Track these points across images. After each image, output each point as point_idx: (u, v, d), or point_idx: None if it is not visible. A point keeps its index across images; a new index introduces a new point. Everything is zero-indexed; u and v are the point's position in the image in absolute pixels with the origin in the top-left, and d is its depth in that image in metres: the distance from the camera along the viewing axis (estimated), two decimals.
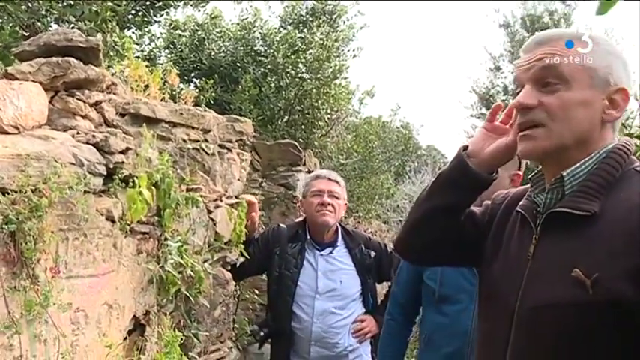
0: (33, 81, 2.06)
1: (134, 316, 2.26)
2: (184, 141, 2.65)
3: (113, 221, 2.10)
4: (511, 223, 1.22)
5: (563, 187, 1.09)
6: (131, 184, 2.14)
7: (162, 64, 5.94)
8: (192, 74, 6.61)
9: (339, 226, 2.85)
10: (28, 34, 3.81)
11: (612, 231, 0.99)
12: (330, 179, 2.80)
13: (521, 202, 1.21)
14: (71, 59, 2.16)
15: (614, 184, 1.05)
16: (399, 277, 2.33)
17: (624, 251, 0.96)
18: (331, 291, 2.72)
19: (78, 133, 2.11)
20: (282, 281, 2.74)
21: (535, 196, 1.15)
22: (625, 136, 1.17)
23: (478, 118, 13.82)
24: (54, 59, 2.13)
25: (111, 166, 2.09)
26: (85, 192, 1.92)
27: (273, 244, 2.81)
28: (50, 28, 3.99)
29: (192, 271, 2.42)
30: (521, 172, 2.04)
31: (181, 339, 2.35)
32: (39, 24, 4.07)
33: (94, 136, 2.09)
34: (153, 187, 2.27)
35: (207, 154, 2.81)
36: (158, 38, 7.02)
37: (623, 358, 0.98)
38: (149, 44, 6.97)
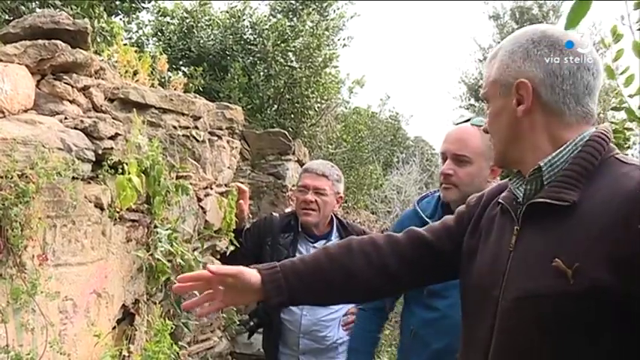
0: (18, 64, 2.00)
1: (123, 305, 2.22)
2: (174, 127, 2.61)
3: (102, 208, 2.06)
4: (489, 218, 1.24)
5: (542, 177, 1.09)
6: (120, 170, 2.10)
7: (150, 51, 5.84)
8: (181, 62, 6.51)
9: (334, 218, 2.80)
10: (11, 17, 3.71)
11: (591, 220, 0.99)
12: (317, 174, 2.68)
13: (502, 194, 1.22)
14: (58, 42, 2.10)
15: (593, 172, 1.05)
16: None
17: (602, 240, 0.96)
18: None
19: (66, 118, 2.06)
20: None
21: (515, 187, 1.16)
22: (604, 124, 1.16)
23: (467, 109, 13.88)
24: (40, 42, 2.07)
25: (100, 152, 2.04)
26: (73, 178, 1.88)
27: (265, 233, 2.77)
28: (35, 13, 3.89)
29: (182, 259, 2.39)
30: None
31: (171, 328, 2.32)
32: (23, 7, 3.97)
33: (82, 121, 2.04)
34: (142, 174, 2.23)
35: (198, 141, 2.76)
36: (146, 25, 6.92)
37: (604, 347, 0.98)
38: (137, 31, 6.87)
